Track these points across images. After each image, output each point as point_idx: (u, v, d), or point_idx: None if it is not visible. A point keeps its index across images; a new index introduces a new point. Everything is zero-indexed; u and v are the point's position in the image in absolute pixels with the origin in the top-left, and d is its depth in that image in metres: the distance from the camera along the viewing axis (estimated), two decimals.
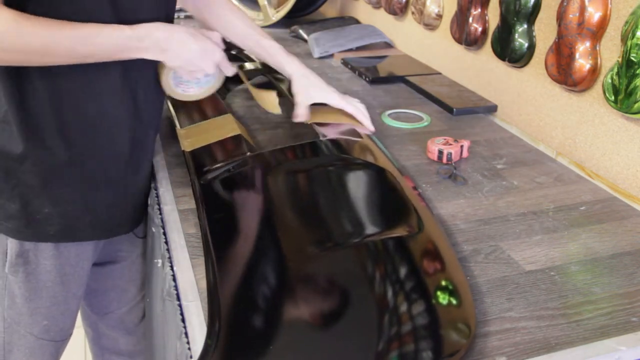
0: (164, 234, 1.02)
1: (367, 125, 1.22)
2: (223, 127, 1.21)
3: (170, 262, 0.93)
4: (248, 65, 1.65)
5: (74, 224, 1.03)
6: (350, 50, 1.99)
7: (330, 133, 1.20)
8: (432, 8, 1.77)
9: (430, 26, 1.80)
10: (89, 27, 0.87)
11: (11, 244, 1.01)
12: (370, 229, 0.94)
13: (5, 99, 0.92)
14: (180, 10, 2.45)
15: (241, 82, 1.60)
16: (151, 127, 1.08)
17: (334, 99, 1.21)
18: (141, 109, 1.02)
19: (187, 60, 0.96)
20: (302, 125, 1.26)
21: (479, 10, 1.53)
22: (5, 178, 0.97)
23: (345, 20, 2.27)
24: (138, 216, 1.15)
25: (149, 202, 1.21)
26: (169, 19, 1.03)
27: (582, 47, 1.18)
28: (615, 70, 1.10)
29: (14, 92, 0.91)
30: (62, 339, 1.13)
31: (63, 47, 0.85)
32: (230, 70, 1.05)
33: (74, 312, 1.13)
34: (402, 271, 0.83)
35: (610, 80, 1.12)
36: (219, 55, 1.01)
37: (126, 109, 0.99)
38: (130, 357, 1.37)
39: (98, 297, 1.30)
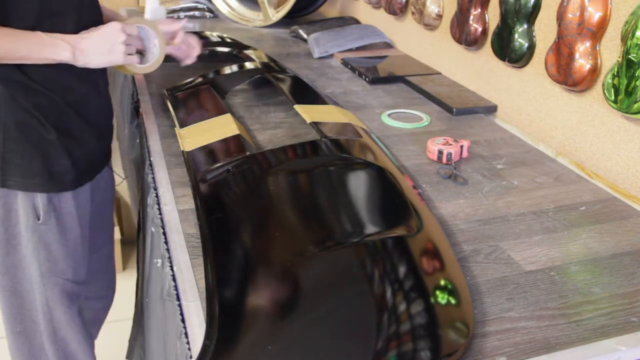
0: (164, 234, 1.02)
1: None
2: (223, 127, 1.21)
3: (170, 262, 0.93)
4: (248, 65, 1.65)
5: (80, 168, 1.19)
6: (350, 50, 1.99)
7: (330, 132, 1.20)
8: (432, 8, 1.77)
9: (430, 26, 1.80)
10: (24, 33, 1.02)
11: (40, 198, 1.15)
12: (369, 228, 0.94)
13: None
14: (180, 10, 2.45)
15: (240, 82, 1.60)
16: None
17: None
18: None
19: (97, 59, 1.09)
20: (301, 125, 1.26)
21: (479, 10, 1.53)
22: (27, 138, 1.10)
23: (345, 20, 2.27)
24: (109, 151, 1.35)
25: (149, 202, 1.21)
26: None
27: (582, 47, 1.18)
28: (615, 70, 1.10)
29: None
30: (83, 282, 1.29)
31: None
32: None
33: (85, 253, 1.28)
34: (401, 270, 0.83)
35: (610, 80, 1.12)
36: (119, 42, 1.09)
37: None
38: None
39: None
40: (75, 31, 1.08)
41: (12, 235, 1.17)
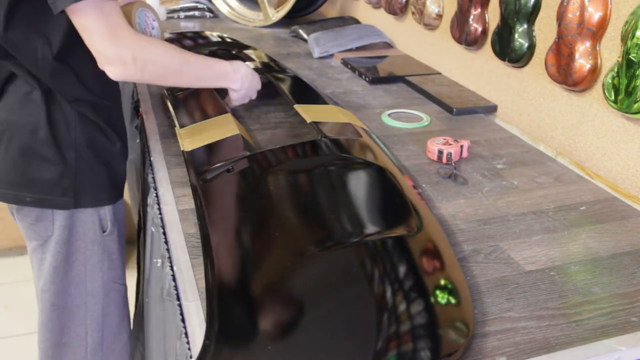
0: (164, 234, 1.02)
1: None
2: (223, 127, 1.21)
3: (170, 262, 0.93)
4: (248, 65, 1.65)
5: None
6: (350, 50, 1.99)
7: (330, 132, 1.20)
8: (432, 8, 1.77)
9: (430, 26, 1.80)
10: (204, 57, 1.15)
11: (108, 210, 1.16)
12: (369, 228, 0.94)
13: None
14: (180, 10, 2.44)
15: None
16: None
17: None
18: None
19: (245, 92, 1.27)
20: (301, 125, 1.26)
21: (479, 10, 1.53)
22: (96, 153, 1.11)
23: (345, 20, 2.27)
24: None
25: (149, 202, 1.21)
26: None
27: (582, 47, 1.18)
28: (615, 70, 1.10)
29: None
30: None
31: (194, 69, 1.11)
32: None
33: None
34: (401, 270, 0.83)
35: (610, 80, 1.12)
36: (259, 84, 1.30)
37: None
38: None
39: None
40: None
41: (71, 252, 1.15)
